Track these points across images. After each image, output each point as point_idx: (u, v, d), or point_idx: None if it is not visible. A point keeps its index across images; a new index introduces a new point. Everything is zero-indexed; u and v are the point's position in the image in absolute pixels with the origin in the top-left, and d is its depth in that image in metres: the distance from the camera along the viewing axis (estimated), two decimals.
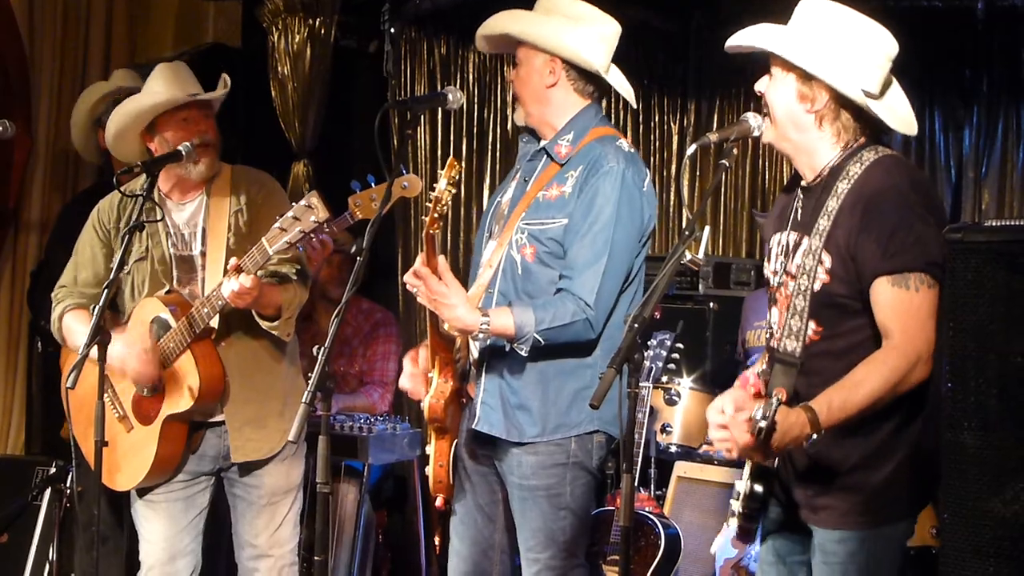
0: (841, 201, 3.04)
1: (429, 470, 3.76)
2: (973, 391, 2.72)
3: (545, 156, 3.73)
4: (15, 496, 5.29)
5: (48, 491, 5.21)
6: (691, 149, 3.22)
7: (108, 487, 4.15)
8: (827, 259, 3.04)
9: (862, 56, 3.10)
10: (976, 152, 7.03)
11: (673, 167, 7.76)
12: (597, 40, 3.71)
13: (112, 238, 4.20)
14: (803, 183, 3.21)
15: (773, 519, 3.30)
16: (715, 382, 6.46)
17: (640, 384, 5.13)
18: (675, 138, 7.73)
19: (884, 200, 3.00)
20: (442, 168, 3.35)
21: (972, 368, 2.72)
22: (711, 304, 6.88)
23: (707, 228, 3.21)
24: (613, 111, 7.68)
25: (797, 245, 3.15)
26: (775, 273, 3.23)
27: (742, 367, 6.56)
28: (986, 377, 2.71)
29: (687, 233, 2.97)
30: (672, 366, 5.52)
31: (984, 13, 6.41)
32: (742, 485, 3.22)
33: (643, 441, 5.34)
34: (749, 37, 3.17)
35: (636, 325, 2.86)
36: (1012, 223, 2.78)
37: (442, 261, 3.47)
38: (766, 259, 3.33)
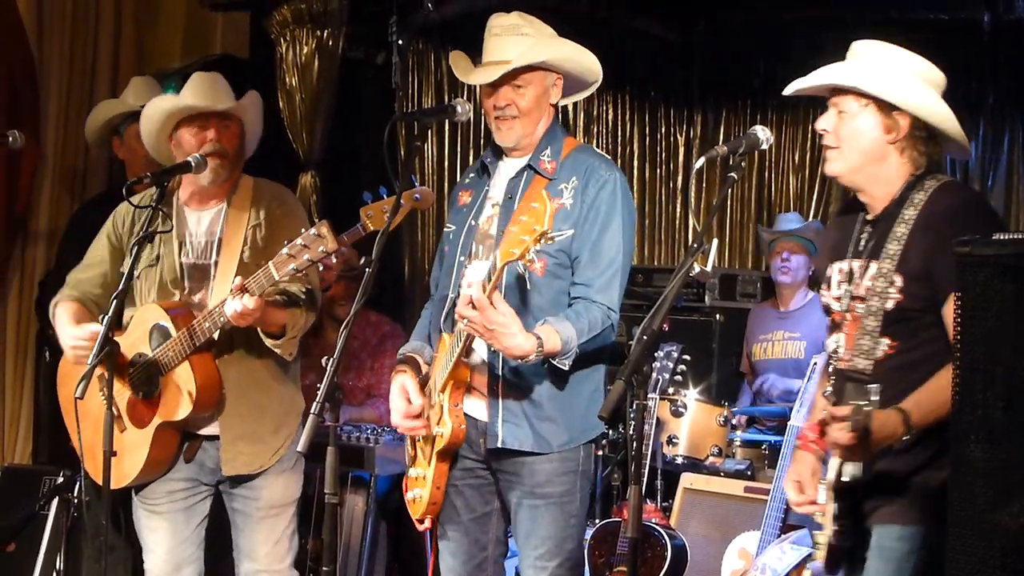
0: (911, 226, 3.21)
1: (423, 493, 3.74)
2: (980, 404, 2.72)
3: (528, 171, 3.75)
4: (22, 505, 5.30)
5: (55, 501, 5.22)
6: (699, 162, 3.22)
7: (115, 495, 4.17)
8: (899, 280, 3.19)
9: (924, 86, 3.30)
10: (982, 165, 7.07)
11: (679, 179, 7.78)
12: (585, 52, 3.80)
13: (126, 244, 4.23)
14: (868, 216, 3.36)
15: None
16: (721, 393, 6.47)
17: (647, 396, 5.20)
18: (681, 150, 7.75)
19: (955, 218, 3.16)
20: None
21: (979, 381, 2.72)
22: (717, 316, 6.90)
23: (715, 241, 3.23)
24: (620, 122, 7.71)
25: (864, 270, 3.28)
26: (838, 299, 3.36)
27: (747, 380, 6.59)
28: (993, 390, 2.70)
29: (695, 246, 2.99)
30: (679, 378, 5.53)
31: (990, 26, 6.44)
32: (828, 508, 3.27)
33: (649, 452, 5.35)
34: (820, 78, 3.32)
35: (645, 337, 2.87)
36: (1020, 236, 2.78)
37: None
38: (824, 287, 3.46)
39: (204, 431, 4.15)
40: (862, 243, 3.34)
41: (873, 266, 3.24)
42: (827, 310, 3.43)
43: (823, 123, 3.34)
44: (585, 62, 3.80)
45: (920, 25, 6.59)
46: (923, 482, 3.18)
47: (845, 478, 3.16)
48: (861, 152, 3.28)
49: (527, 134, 3.74)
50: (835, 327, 3.37)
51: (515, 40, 3.71)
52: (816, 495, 3.32)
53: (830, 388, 3.41)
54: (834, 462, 3.21)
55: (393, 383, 3.78)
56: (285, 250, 3.73)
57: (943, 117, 3.28)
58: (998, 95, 7.03)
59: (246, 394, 4.13)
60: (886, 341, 3.21)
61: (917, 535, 3.18)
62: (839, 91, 3.30)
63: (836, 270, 3.39)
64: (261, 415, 4.16)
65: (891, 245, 3.22)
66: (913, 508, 3.18)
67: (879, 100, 3.24)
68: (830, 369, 3.40)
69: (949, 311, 3.08)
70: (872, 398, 2.94)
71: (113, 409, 4.15)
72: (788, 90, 3.42)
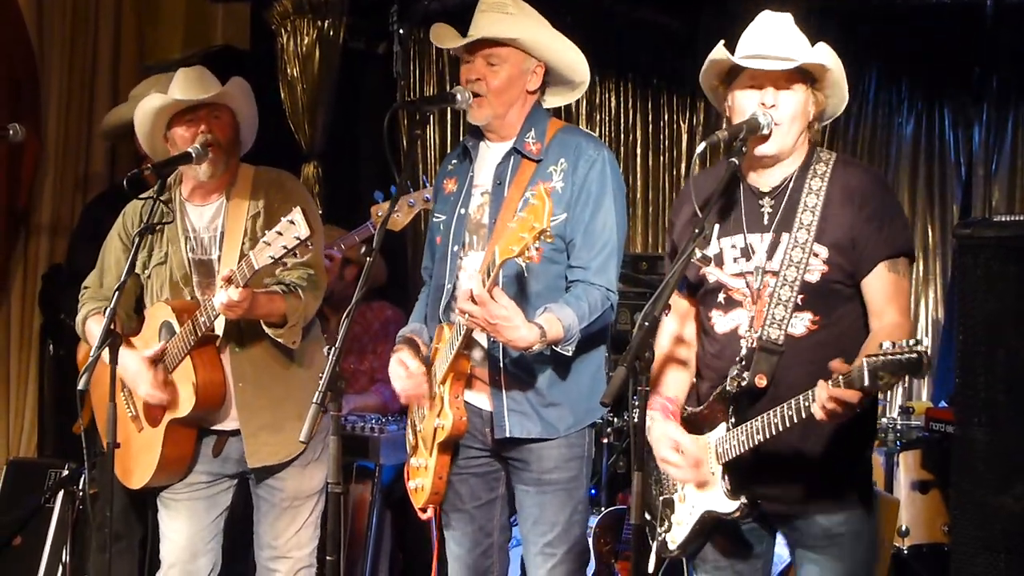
0: (824, 197, 3.17)
1: (425, 482, 3.75)
2: (982, 387, 2.73)
3: (515, 155, 3.72)
4: (28, 498, 5.32)
5: (61, 493, 5.24)
6: (701, 147, 3.24)
7: (124, 486, 4.24)
8: (822, 250, 3.15)
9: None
10: (986, 149, 7.05)
11: (682, 166, 7.76)
12: (571, 46, 3.76)
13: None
14: (763, 189, 3.26)
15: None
16: None
17: (649, 382, 5.19)
18: (684, 137, 7.72)
19: (875, 193, 3.17)
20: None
21: (981, 364, 2.72)
22: None
23: (716, 226, 3.21)
24: (623, 111, 7.69)
25: (775, 244, 3.20)
26: (743, 275, 3.25)
27: None
28: (995, 373, 2.71)
29: (697, 231, 2.98)
30: None
31: (993, 10, 6.42)
32: (726, 506, 3.22)
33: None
34: (801, 56, 3.18)
35: (647, 323, 2.86)
36: (1022, 219, 2.78)
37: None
38: (711, 264, 3.29)
39: (227, 426, 4.15)
40: (765, 216, 3.25)
41: (786, 237, 3.18)
42: (717, 288, 3.30)
43: (771, 97, 3.18)
44: (568, 56, 3.75)
45: (924, 9, 6.57)
46: (851, 470, 3.22)
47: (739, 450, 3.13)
48: (796, 133, 3.21)
49: (498, 115, 3.70)
50: (731, 303, 3.27)
51: (498, 16, 3.69)
52: (701, 458, 3.22)
53: (741, 357, 3.23)
54: (719, 434, 3.19)
55: (392, 360, 3.79)
56: (264, 238, 3.72)
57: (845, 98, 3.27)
58: (1001, 79, 7.01)
59: (262, 385, 4.12)
60: (808, 316, 3.15)
61: (857, 519, 3.21)
62: (788, 70, 3.16)
63: (728, 246, 3.29)
64: (280, 404, 4.14)
65: (804, 216, 3.17)
66: (847, 493, 3.20)
67: (815, 80, 3.19)
68: (742, 351, 3.22)
69: (874, 281, 3.11)
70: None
71: (128, 403, 4.21)
72: (748, 63, 3.24)
